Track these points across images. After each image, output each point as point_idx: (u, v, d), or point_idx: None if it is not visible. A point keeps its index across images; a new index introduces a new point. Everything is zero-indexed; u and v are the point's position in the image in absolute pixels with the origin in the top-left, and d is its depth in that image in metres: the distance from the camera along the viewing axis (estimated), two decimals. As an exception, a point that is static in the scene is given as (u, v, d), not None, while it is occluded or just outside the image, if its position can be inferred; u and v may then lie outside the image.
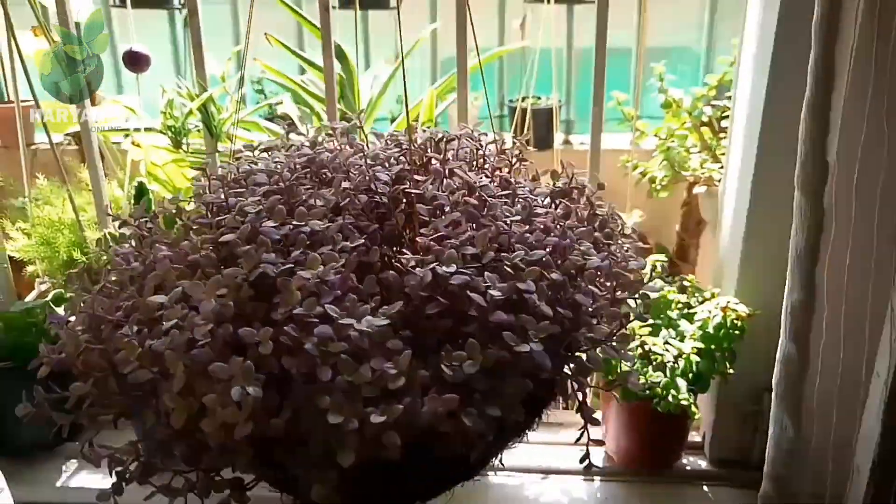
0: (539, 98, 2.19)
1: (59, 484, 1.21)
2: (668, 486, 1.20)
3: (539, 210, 0.66)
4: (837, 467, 0.97)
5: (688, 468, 1.23)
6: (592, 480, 1.21)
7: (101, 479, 1.21)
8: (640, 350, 1.04)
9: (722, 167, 1.28)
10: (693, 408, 1.04)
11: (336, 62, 1.19)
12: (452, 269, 0.55)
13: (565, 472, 1.23)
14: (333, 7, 1.12)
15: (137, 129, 1.26)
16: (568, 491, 1.19)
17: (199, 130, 1.18)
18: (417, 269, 0.55)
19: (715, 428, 1.23)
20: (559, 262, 0.60)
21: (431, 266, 0.55)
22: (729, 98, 1.33)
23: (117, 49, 2.15)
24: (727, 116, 1.33)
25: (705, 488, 1.20)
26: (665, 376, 1.02)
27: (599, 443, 0.75)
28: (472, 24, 0.92)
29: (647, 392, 1.02)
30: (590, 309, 0.61)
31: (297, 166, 0.69)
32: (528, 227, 0.62)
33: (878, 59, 0.79)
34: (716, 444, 1.24)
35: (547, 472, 1.23)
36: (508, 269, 0.56)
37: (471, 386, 0.53)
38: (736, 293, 1.12)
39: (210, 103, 1.18)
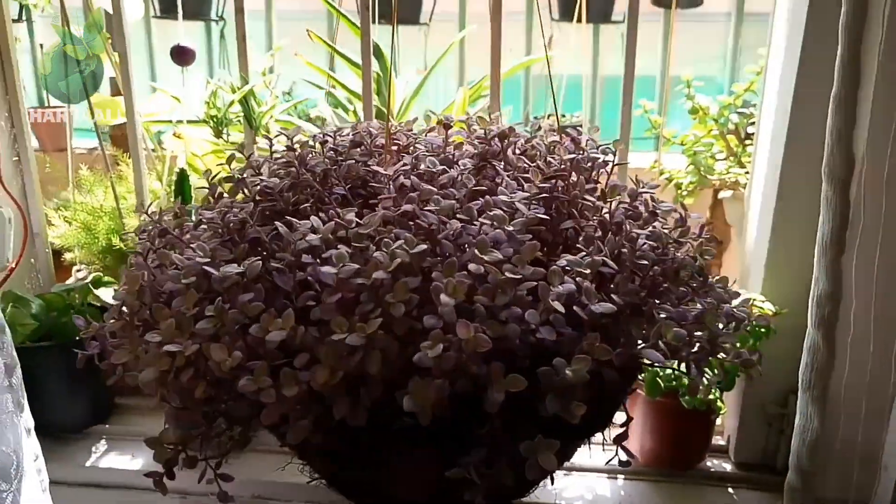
0: (564, 115, 2.22)
1: (88, 464, 1.23)
2: (691, 487, 1.20)
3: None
4: (864, 463, 0.97)
5: (712, 470, 1.23)
6: (616, 478, 1.21)
7: (129, 461, 1.24)
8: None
9: (747, 172, 1.30)
10: (719, 402, 1.04)
11: (374, 60, 1.23)
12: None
13: (588, 470, 1.23)
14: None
15: (180, 121, 1.31)
16: (591, 488, 1.19)
17: (239, 122, 1.22)
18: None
19: (740, 431, 1.23)
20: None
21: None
22: (755, 106, 1.35)
23: (154, 49, 2.25)
24: (753, 123, 1.34)
25: (730, 490, 1.19)
26: (692, 368, 1.03)
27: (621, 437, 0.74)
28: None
29: (674, 383, 1.03)
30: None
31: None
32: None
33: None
34: (740, 447, 1.23)
35: (570, 469, 1.23)
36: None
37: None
38: (762, 293, 1.13)
39: (251, 96, 1.22)
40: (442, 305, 0.48)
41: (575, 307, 0.52)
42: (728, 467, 1.23)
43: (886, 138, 0.83)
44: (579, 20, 2.19)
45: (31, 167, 1.37)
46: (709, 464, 1.24)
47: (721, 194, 1.36)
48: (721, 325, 0.66)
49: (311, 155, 0.70)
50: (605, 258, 0.57)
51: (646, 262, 0.60)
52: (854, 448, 0.97)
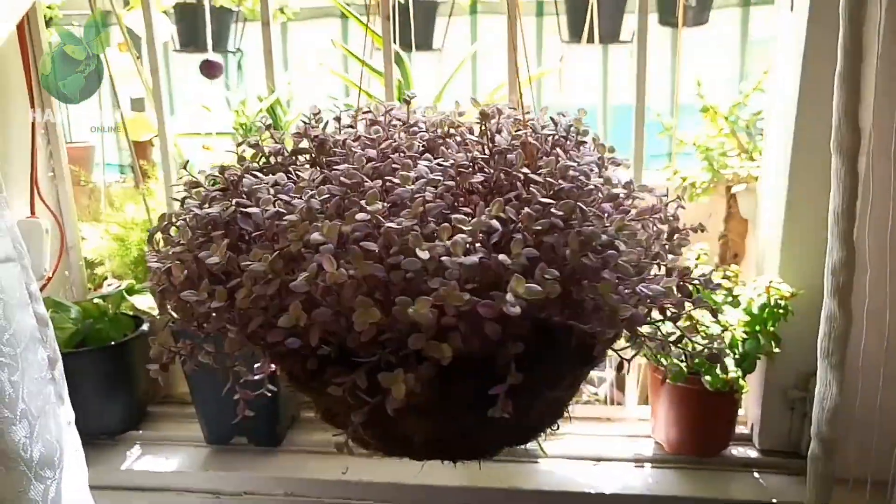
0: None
1: (123, 467, 1.26)
2: (717, 473, 1.21)
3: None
4: (883, 431, 0.98)
5: (737, 456, 1.24)
6: (643, 467, 1.23)
7: (163, 463, 1.26)
8: (686, 322, 1.07)
9: (759, 166, 1.34)
10: (741, 381, 1.06)
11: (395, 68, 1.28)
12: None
13: (616, 460, 1.24)
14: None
15: (209, 133, 1.37)
16: (619, 477, 1.20)
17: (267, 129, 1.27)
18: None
19: (763, 417, 1.24)
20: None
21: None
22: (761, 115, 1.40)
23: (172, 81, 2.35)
24: (762, 119, 1.38)
25: (755, 475, 1.20)
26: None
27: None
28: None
29: (697, 361, 1.05)
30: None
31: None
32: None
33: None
34: (764, 433, 1.25)
35: (598, 459, 1.25)
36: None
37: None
38: (779, 275, 1.15)
39: (277, 105, 1.27)
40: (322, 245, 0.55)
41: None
42: (753, 454, 1.25)
43: (892, 112, 0.87)
44: (589, 41, 2.26)
45: (65, 182, 1.43)
46: (734, 451, 1.25)
47: (735, 189, 1.40)
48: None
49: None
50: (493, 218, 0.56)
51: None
52: (873, 416, 0.99)
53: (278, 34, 2.57)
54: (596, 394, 1.53)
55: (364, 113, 0.77)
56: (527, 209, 0.56)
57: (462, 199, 0.63)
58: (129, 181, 1.51)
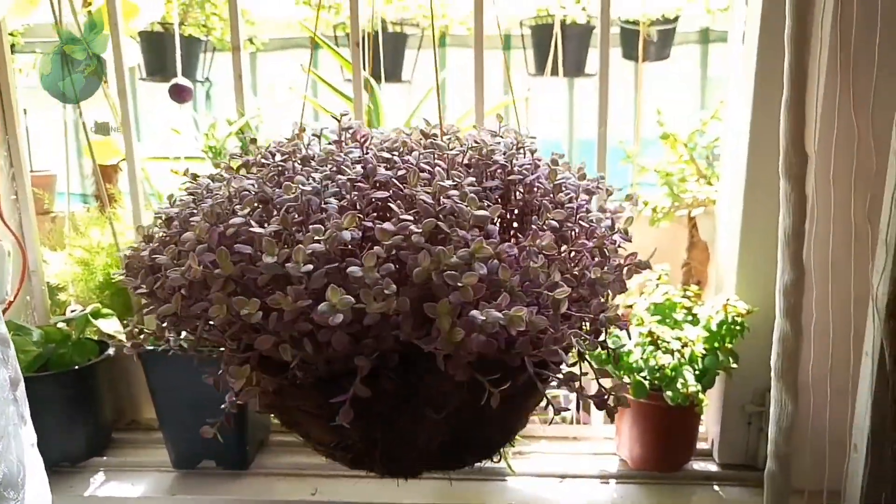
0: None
1: (87, 494, 1.24)
2: (679, 487, 1.24)
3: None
4: (835, 443, 1.03)
5: (698, 470, 1.27)
6: (608, 482, 1.25)
7: (130, 488, 1.25)
8: (648, 337, 1.11)
9: (717, 190, 1.39)
10: (701, 395, 1.10)
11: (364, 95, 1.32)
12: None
13: (582, 477, 1.27)
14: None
15: (177, 157, 1.37)
16: (585, 492, 1.22)
17: (237, 152, 1.29)
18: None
19: (722, 433, 1.28)
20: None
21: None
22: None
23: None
24: (720, 145, 1.45)
25: (715, 488, 1.24)
26: (673, 359, 1.09)
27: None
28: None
29: (657, 374, 1.09)
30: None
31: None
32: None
33: (841, 63, 0.91)
34: (723, 448, 1.29)
35: (564, 476, 1.27)
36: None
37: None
38: (736, 293, 1.20)
39: (247, 129, 1.29)
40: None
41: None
42: (713, 468, 1.28)
43: (831, 136, 0.93)
44: (553, 73, 2.33)
45: (28, 205, 1.41)
46: (695, 466, 1.28)
47: (694, 212, 1.45)
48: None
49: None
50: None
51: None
52: (824, 431, 1.03)
53: (248, 64, 2.60)
54: (562, 416, 1.56)
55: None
56: (384, 225, 0.58)
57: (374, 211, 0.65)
58: (93, 211, 1.50)
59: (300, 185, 0.65)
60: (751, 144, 1.13)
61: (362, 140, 0.75)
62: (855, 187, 0.94)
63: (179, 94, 1.33)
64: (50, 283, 1.47)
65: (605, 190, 0.79)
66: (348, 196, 0.65)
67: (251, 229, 0.60)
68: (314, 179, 0.67)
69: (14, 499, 0.82)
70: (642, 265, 0.68)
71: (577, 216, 0.68)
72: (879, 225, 0.92)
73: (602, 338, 0.65)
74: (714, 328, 1.16)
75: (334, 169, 0.69)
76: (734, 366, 1.15)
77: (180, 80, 1.35)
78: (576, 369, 0.64)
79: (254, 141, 0.85)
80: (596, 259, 0.66)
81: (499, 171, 0.70)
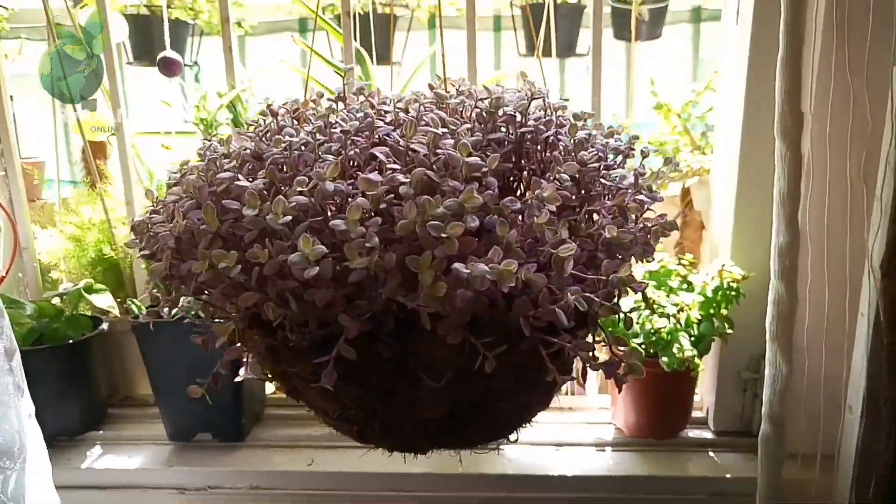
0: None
1: (84, 466, 1.23)
2: (674, 454, 1.24)
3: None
4: (829, 405, 1.03)
5: (693, 438, 1.28)
6: (604, 450, 1.26)
7: (126, 460, 1.24)
8: (643, 302, 1.11)
9: (710, 160, 1.39)
10: (696, 360, 1.10)
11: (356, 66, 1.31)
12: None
13: (578, 445, 1.27)
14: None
15: (168, 133, 1.36)
16: (581, 460, 1.23)
17: (228, 124, 1.27)
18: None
19: (717, 400, 1.29)
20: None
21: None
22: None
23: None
24: (714, 113, 1.45)
25: (710, 454, 1.24)
26: (669, 323, 1.09)
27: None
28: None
29: (653, 339, 1.09)
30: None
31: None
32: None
33: (837, 22, 0.91)
34: (718, 415, 1.29)
35: (560, 444, 1.27)
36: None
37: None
38: (731, 259, 1.20)
39: (238, 101, 1.28)
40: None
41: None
42: (708, 435, 1.29)
43: (826, 96, 0.92)
44: (545, 54, 2.32)
45: (18, 181, 1.40)
46: (690, 433, 1.29)
47: (688, 182, 1.45)
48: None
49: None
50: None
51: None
52: (819, 392, 1.04)
53: (236, 48, 2.57)
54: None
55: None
56: (369, 175, 0.55)
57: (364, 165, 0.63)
58: (83, 195, 1.48)
59: (289, 138, 0.64)
60: (746, 108, 1.13)
61: (369, 97, 0.73)
62: (851, 147, 0.94)
63: (168, 66, 1.31)
64: (42, 260, 1.46)
65: (641, 151, 0.72)
66: (344, 152, 0.62)
67: (238, 184, 0.58)
68: (306, 133, 0.66)
69: (10, 468, 0.82)
70: (669, 226, 0.64)
71: (599, 173, 0.62)
72: (875, 184, 0.93)
73: (615, 301, 0.59)
74: (709, 294, 1.16)
75: (331, 123, 0.67)
76: (730, 332, 1.16)
77: (169, 52, 1.33)
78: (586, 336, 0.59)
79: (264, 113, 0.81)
80: (615, 219, 0.61)
81: (508, 123, 0.65)
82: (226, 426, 1.25)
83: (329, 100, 0.75)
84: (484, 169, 0.57)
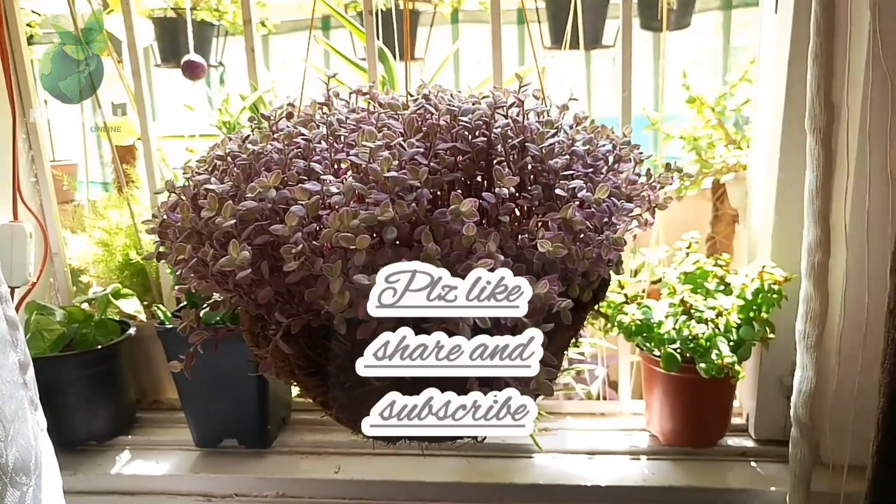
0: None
1: (113, 472, 1.23)
2: (713, 464, 1.20)
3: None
4: (861, 416, 0.98)
5: (733, 446, 1.23)
6: (638, 459, 1.22)
7: (154, 466, 1.24)
8: (681, 307, 1.07)
9: (747, 155, 1.34)
10: (737, 367, 1.05)
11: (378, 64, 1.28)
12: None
13: (611, 453, 1.23)
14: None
15: (192, 136, 1.35)
16: (614, 469, 1.19)
17: (250, 127, 1.26)
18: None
19: (758, 407, 1.24)
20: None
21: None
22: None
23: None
24: (750, 105, 1.39)
25: (752, 464, 1.19)
26: (707, 329, 1.05)
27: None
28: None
29: (691, 345, 1.05)
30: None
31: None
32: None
33: (871, 6, 0.85)
34: (760, 423, 1.24)
35: (592, 453, 1.23)
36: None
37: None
38: (772, 260, 1.15)
39: (260, 103, 1.26)
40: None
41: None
42: (749, 444, 1.24)
43: (865, 88, 0.87)
44: (571, 47, 2.27)
45: (48, 187, 1.41)
46: (729, 441, 1.24)
47: (724, 178, 1.40)
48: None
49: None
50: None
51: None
52: (851, 400, 0.98)
53: (259, 47, 2.57)
54: (588, 391, 1.52)
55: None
56: (306, 185, 0.58)
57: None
58: (111, 199, 1.49)
59: (250, 145, 0.65)
60: (787, 101, 1.07)
61: (367, 100, 0.72)
62: (891, 141, 0.88)
63: (192, 70, 1.30)
64: (72, 265, 1.47)
65: (633, 160, 0.69)
66: (310, 158, 0.64)
67: (206, 187, 0.61)
68: (277, 140, 0.66)
69: (27, 483, 0.81)
70: (616, 242, 0.59)
71: (553, 183, 0.60)
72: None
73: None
74: (749, 297, 1.11)
75: (300, 132, 0.67)
76: (771, 336, 1.11)
77: (193, 56, 1.32)
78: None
79: (252, 119, 0.82)
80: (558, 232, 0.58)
81: (466, 132, 0.63)
82: (251, 432, 1.24)
83: (320, 104, 0.75)
84: (412, 181, 0.56)
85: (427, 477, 1.15)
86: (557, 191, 0.59)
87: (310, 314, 0.56)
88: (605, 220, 0.60)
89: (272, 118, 0.73)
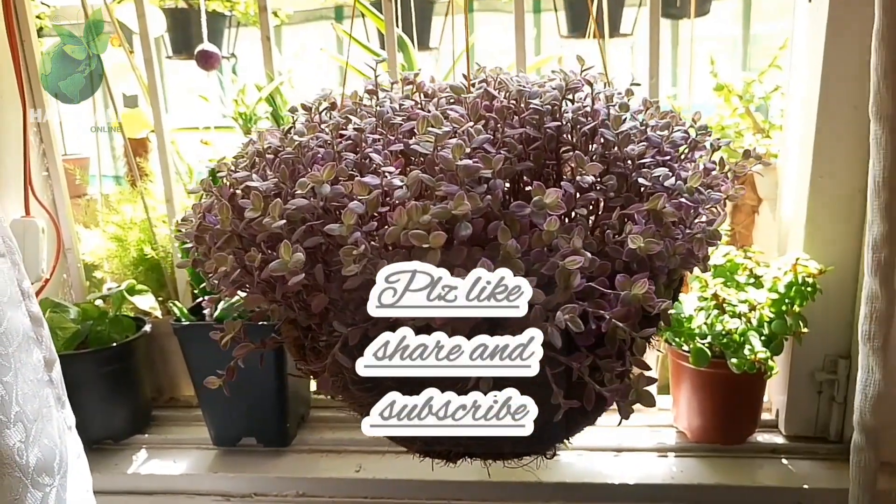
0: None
1: (129, 471, 1.21)
2: (743, 461, 1.16)
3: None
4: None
5: (763, 443, 1.20)
6: (666, 456, 1.19)
7: (171, 465, 1.22)
8: (713, 301, 1.03)
9: (777, 143, 1.30)
10: (770, 362, 1.02)
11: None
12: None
13: (638, 450, 1.20)
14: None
15: (207, 128, 1.33)
16: (641, 466, 1.16)
17: (267, 118, 1.23)
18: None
19: (789, 402, 1.20)
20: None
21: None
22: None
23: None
24: (780, 93, 1.35)
25: (783, 461, 1.16)
26: (741, 324, 1.01)
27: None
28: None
29: (724, 340, 1.01)
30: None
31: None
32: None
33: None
34: (791, 419, 1.20)
35: (619, 450, 1.20)
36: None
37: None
38: (804, 251, 1.11)
39: (277, 94, 1.23)
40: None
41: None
42: (779, 440, 1.20)
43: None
44: (597, 35, 2.21)
45: (60, 182, 1.38)
46: (760, 438, 1.21)
47: (752, 168, 1.36)
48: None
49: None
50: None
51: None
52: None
53: (272, 38, 2.54)
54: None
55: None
56: (365, 178, 0.53)
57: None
58: (124, 193, 1.46)
59: (297, 137, 0.59)
60: (822, 88, 1.03)
61: (417, 87, 0.68)
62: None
63: (206, 59, 1.27)
64: (85, 260, 1.45)
65: (711, 146, 0.65)
66: (360, 150, 0.58)
67: (249, 184, 0.55)
68: (324, 132, 0.61)
69: (50, 484, 0.78)
70: (713, 235, 0.55)
71: (636, 172, 0.55)
72: None
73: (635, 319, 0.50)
74: (782, 290, 1.07)
75: (350, 120, 0.62)
76: (805, 330, 1.07)
77: (207, 45, 1.29)
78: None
79: (293, 110, 0.76)
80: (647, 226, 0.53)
81: (540, 116, 0.58)
82: (270, 431, 1.21)
83: (368, 91, 0.69)
84: (485, 172, 0.51)
85: (449, 476, 1.12)
86: (641, 180, 0.54)
87: (368, 323, 0.50)
88: (692, 211, 0.55)
89: (313, 109, 0.67)
